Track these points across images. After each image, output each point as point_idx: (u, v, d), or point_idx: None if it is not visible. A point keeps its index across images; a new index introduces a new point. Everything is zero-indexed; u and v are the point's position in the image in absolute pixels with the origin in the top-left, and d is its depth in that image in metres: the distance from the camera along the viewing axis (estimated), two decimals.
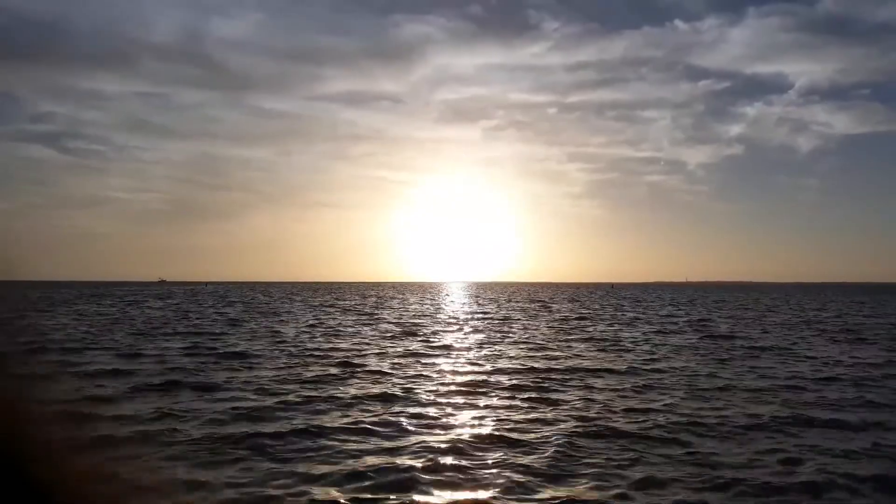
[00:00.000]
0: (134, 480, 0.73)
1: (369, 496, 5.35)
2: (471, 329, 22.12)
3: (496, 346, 16.22)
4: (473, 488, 5.55)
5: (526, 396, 9.44)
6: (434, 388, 10.09)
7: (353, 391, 9.70)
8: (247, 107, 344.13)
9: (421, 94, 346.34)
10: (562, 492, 5.45)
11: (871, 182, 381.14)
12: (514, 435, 7.15)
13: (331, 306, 39.89)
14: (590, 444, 6.87)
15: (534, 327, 22.86)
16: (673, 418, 8.02)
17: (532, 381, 10.74)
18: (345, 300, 52.29)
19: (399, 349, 15.49)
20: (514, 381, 10.74)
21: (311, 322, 24.92)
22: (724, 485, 5.60)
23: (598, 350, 15.57)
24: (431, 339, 18.16)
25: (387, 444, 6.83)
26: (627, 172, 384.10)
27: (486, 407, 8.70)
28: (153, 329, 20.96)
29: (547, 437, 7.12)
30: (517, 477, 5.77)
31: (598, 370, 12.05)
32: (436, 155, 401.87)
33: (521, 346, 16.27)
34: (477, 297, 67.19)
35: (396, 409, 8.53)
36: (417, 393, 9.63)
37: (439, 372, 11.80)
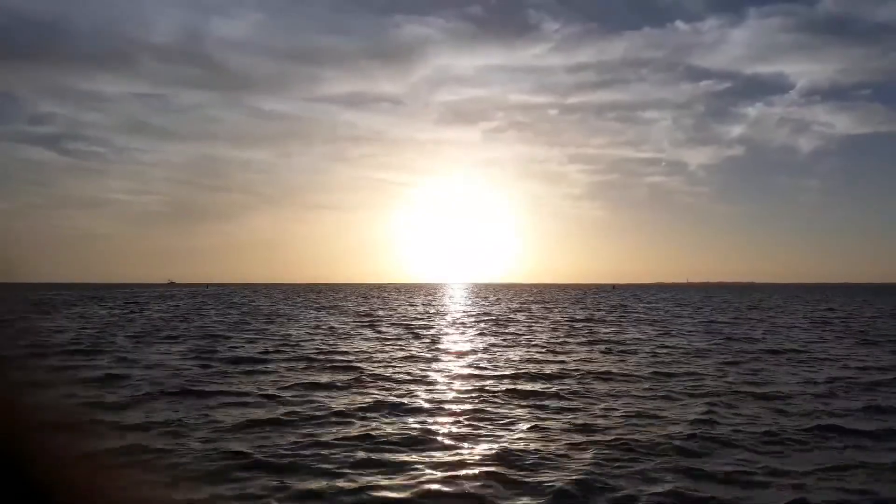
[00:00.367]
0: (131, 496, 0.69)
1: None
2: (477, 332, 21.79)
3: (510, 350, 15.87)
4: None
5: (555, 405, 9.09)
6: (451, 395, 9.71)
7: (364, 399, 9.37)
8: (246, 108, 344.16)
9: (421, 95, 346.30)
10: None
11: (873, 183, 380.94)
12: (552, 447, 6.82)
13: (333, 307, 39.56)
14: (634, 461, 6.49)
15: (543, 330, 22.50)
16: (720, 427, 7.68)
17: (558, 388, 10.32)
18: (346, 302, 51.94)
19: (408, 353, 15.16)
20: (538, 388, 10.32)
21: (314, 325, 24.59)
22: None
23: (613, 353, 15.22)
24: (441, 343, 17.81)
25: (408, 457, 6.50)
26: (628, 173, 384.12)
27: (510, 419, 8.35)
28: (156, 332, 20.62)
29: (584, 454, 6.78)
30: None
31: (620, 375, 11.63)
32: (436, 156, 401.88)
33: (538, 349, 15.93)
34: (479, 298, 66.82)
35: (414, 419, 8.19)
36: (435, 402, 9.25)
37: (454, 377, 11.46)
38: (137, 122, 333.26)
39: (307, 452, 6.55)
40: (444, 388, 10.34)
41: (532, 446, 6.81)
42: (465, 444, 6.91)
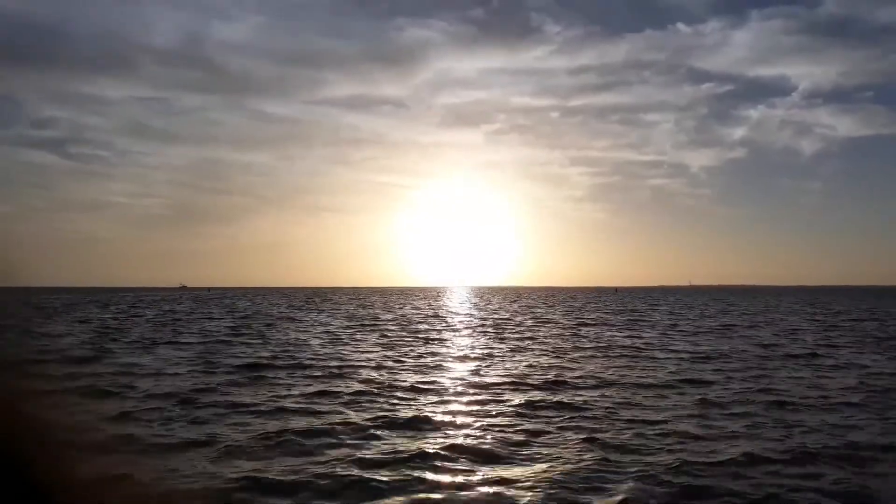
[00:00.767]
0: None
1: None
2: (491, 337, 21.23)
3: (527, 356, 15.35)
4: None
5: (590, 415, 8.57)
6: (476, 409, 9.08)
7: (377, 411, 8.87)
8: (248, 111, 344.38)
9: (423, 98, 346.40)
10: None
11: (875, 185, 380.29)
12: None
13: (336, 311, 39.10)
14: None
15: (557, 334, 21.97)
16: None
17: (590, 399, 9.72)
18: (349, 305, 51.46)
19: (419, 361, 14.65)
20: (569, 399, 9.71)
21: (324, 330, 24.10)
22: None
23: (631, 360, 14.70)
24: (450, 349, 17.27)
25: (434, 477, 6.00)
26: (630, 176, 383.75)
27: (535, 433, 7.84)
28: (165, 337, 20.13)
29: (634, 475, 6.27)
30: None
31: (645, 384, 11.05)
32: (438, 159, 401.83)
33: (557, 356, 15.41)
34: (485, 302, 66.25)
35: (440, 435, 7.67)
36: (452, 414, 8.73)
37: (475, 387, 10.90)
38: (139, 126, 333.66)
39: (321, 470, 6.06)
40: (460, 398, 9.82)
41: (576, 465, 6.31)
42: (498, 463, 6.39)
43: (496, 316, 34.97)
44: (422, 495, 5.42)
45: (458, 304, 55.75)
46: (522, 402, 9.33)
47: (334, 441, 7.08)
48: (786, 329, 24.49)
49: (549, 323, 28.50)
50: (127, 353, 15.53)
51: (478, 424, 7.93)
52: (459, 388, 10.63)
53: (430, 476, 5.91)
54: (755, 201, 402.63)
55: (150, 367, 13.02)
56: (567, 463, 6.28)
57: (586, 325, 27.17)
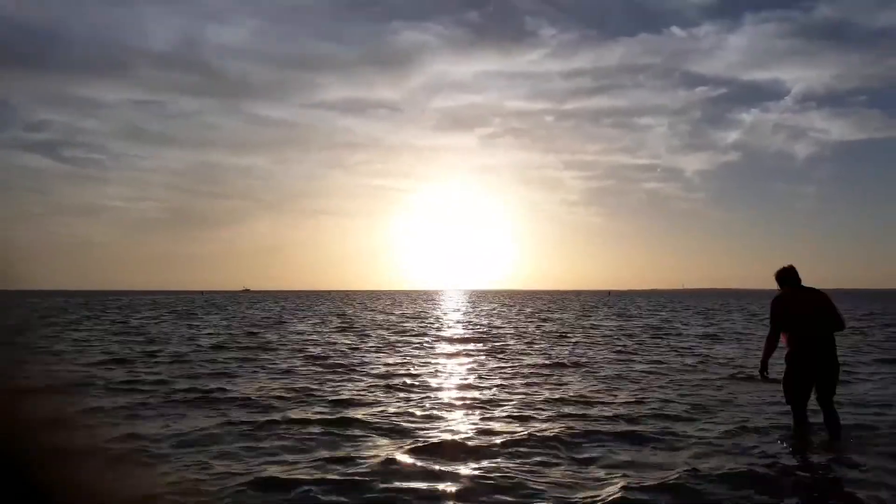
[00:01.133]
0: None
1: None
2: (515, 347, 20.14)
3: (562, 377, 14.26)
4: None
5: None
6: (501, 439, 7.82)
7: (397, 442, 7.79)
8: (244, 114, 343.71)
9: (418, 101, 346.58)
10: None
11: (868, 189, 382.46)
12: None
13: (340, 314, 38.05)
14: None
15: (586, 345, 20.89)
16: None
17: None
18: (354, 309, 50.38)
19: (429, 378, 13.57)
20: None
21: (334, 338, 23.01)
22: None
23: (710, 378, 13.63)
24: (483, 361, 16.22)
25: None
26: (624, 180, 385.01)
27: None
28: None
29: None
30: None
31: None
32: (433, 162, 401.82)
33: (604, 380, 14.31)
34: (490, 306, 65.24)
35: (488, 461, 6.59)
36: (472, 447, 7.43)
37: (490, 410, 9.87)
38: (135, 129, 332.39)
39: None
40: (476, 421, 8.76)
41: None
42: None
43: (512, 319, 33.90)
44: None
45: (463, 309, 54.56)
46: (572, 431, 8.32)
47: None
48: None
49: (573, 330, 27.44)
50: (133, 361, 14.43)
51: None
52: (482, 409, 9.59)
53: None
54: (749, 205, 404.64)
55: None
56: None
57: (606, 329, 26.10)
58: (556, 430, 7.46)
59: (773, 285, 7.09)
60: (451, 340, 21.13)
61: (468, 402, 9.47)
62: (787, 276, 6.90)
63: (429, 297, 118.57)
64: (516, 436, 7.26)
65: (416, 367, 13.58)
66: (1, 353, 0.73)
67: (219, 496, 5.42)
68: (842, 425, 6.90)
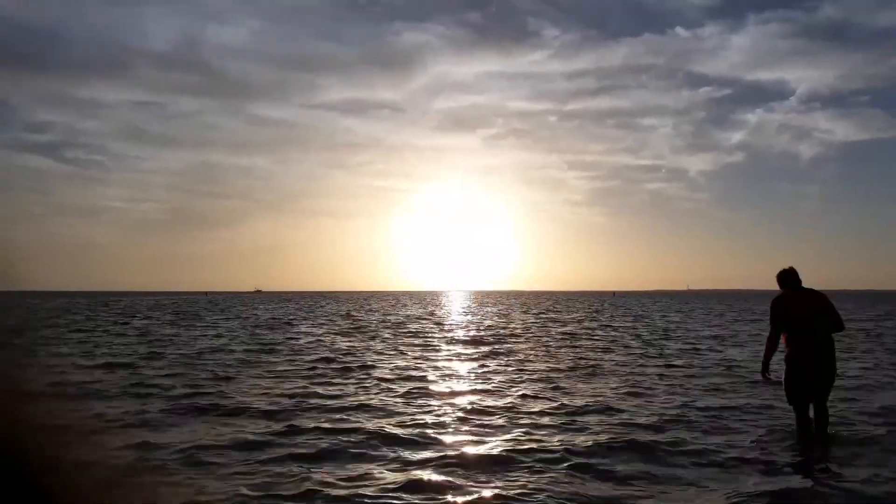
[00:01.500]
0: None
1: None
2: (532, 350, 19.72)
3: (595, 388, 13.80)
4: None
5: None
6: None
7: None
8: (245, 115, 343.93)
9: (420, 102, 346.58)
10: None
11: (873, 189, 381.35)
12: None
13: (346, 315, 37.72)
14: None
15: (604, 349, 20.46)
16: None
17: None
18: (359, 309, 49.98)
19: (449, 389, 13.17)
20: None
21: (343, 343, 22.63)
22: None
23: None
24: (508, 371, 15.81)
25: None
26: (628, 180, 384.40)
27: None
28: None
29: None
30: None
31: None
32: (435, 163, 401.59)
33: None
34: (495, 307, 64.86)
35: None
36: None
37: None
38: (136, 130, 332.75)
39: None
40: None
41: None
42: None
43: (527, 323, 33.44)
44: None
45: (472, 311, 54.12)
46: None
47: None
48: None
49: (593, 334, 27.00)
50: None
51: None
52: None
53: None
54: (753, 205, 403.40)
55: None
56: None
57: (625, 333, 25.66)
58: (589, 442, 7.06)
59: (777, 286, 7.11)
60: (463, 343, 20.68)
61: (490, 409, 9.04)
62: (788, 277, 7.03)
63: (432, 298, 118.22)
64: (548, 447, 6.86)
65: (431, 372, 13.11)
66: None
67: None
68: (829, 423, 7.13)
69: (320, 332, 26.02)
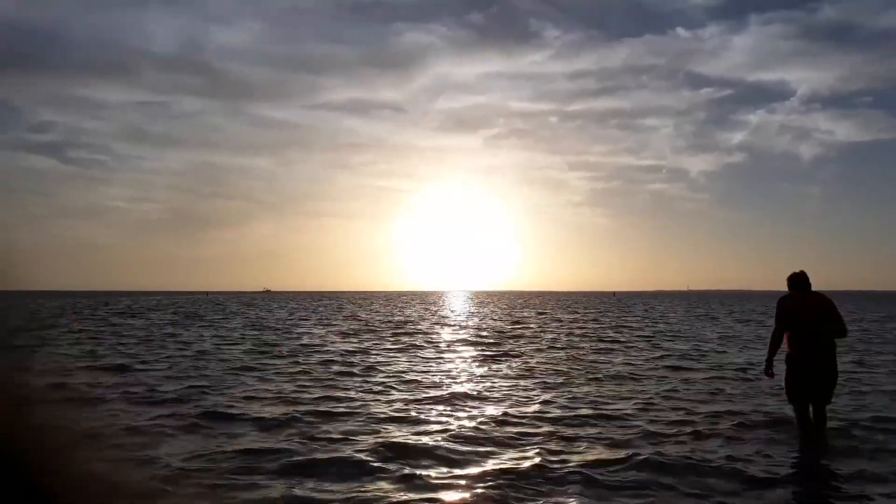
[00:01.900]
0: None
1: None
2: (552, 353, 19.35)
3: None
4: None
5: None
6: None
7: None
8: (247, 115, 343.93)
9: (421, 102, 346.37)
10: None
11: (874, 190, 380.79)
12: None
13: (353, 316, 37.46)
14: None
15: (621, 351, 20.11)
16: None
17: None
18: (364, 310, 49.64)
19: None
20: None
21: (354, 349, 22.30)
22: None
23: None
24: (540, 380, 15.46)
25: None
26: (629, 181, 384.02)
27: None
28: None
29: None
30: None
31: None
32: (437, 163, 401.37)
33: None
34: (499, 308, 64.50)
35: None
36: None
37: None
38: (138, 131, 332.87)
39: None
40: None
41: None
42: None
43: (546, 325, 33.08)
44: None
45: (481, 312, 53.74)
46: None
47: None
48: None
49: (616, 339, 26.64)
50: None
51: None
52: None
53: None
54: (754, 206, 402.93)
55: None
56: None
57: (660, 336, 25.30)
58: (604, 455, 6.70)
59: (778, 286, 7.32)
60: (475, 344, 20.33)
61: (526, 418, 8.51)
62: (798, 280, 7.18)
63: (435, 299, 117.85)
64: (602, 457, 6.54)
65: (441, 376, 12.69)
66: None
67: None
68: (827, 425, 7.23)
69: (323, 332, 25.75)
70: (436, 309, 58.09)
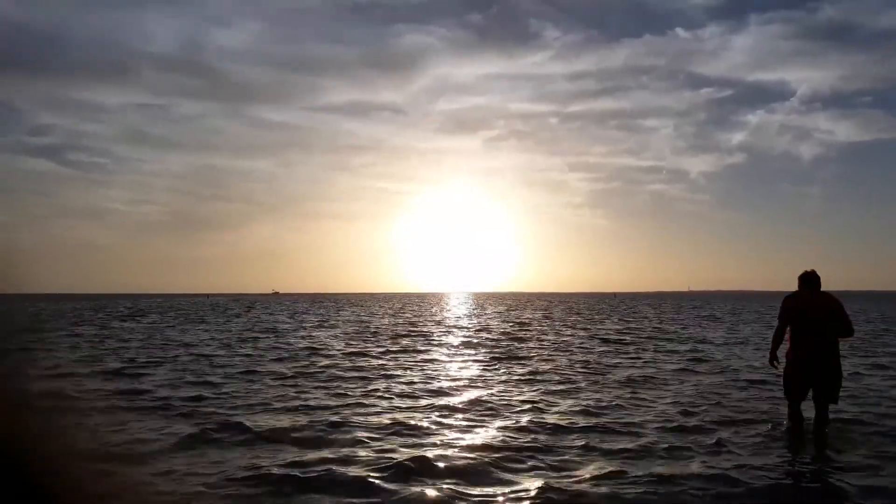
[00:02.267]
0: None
1: None
2: (563, 357, 19.09)
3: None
4: None
5: None
6: None
7: None
8: (247, 117, 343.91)
9: (421, 104, 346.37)
10: None
11: (874, 190, 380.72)
12: None
13: (356, 319, 37.21)
14: None
15: (633, 355, 19.86)
16: None
17: None
18: (366, 312, 49.37)
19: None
20: None
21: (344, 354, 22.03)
22: None
23: None
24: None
25: None
26: (629, 182, 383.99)
27: None
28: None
29: None
30: None
31: None
32: (437, 165, 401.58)
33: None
34: (502, 309, 64.25)
35: None
36: None
37: None
38: (138, 133, 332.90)
39: None
40: None
41: None
42: None
43: (560, 330, 32.77)
44: None
45: (486, 314, 53.46)
46: None
47: None
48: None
49: (645, 343, 26.36)
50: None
51: None
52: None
53: None
54: (754, 206, 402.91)
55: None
56: None
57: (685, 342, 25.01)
58: (654, 468, 6.23)
59: (778, 286, 7.18)
60: (485, 347, 20.00)
61: (548, 429, 8.05)
62: (809, 279, 7.22)
63: (436, 300, 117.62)
64: (612, 469, 6.21)
65: (449, 382, 12.32)
66: None
67: None
68: (827, 427, 7.29)
69: (325, 334, 25.48)
70: (437, 311, 57.81)
